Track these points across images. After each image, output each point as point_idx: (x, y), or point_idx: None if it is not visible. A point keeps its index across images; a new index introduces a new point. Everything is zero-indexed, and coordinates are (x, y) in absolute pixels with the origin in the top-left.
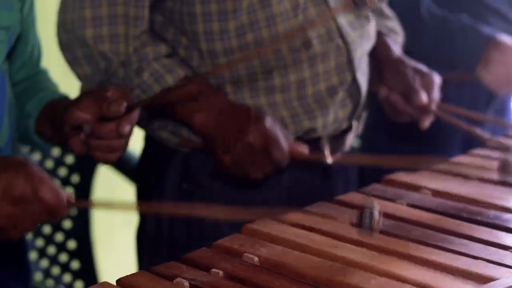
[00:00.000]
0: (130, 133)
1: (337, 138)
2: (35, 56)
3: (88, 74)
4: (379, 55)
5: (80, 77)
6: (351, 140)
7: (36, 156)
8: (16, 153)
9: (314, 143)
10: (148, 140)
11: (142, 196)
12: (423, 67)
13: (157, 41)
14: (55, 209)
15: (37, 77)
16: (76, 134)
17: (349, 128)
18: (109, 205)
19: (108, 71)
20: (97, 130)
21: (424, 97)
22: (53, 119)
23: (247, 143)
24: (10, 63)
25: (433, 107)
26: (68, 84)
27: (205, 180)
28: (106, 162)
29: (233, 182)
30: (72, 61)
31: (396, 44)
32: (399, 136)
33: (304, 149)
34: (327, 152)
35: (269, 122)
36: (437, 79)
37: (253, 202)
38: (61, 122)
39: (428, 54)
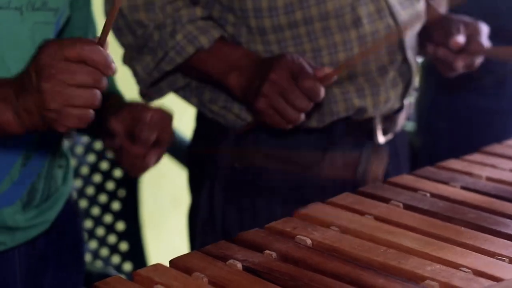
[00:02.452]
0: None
1: (389, 118)
2: None
3: (130, 43)
4: (426, 18)
5: (124, 46)
6: (403, 120)
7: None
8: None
9: (366, 123)
10: (200, 119)
11: (194, 177)
12: (468, 18)
13: (191, 4)
14: (107, 68)
15: None
16: (110, 141)
17: (400, 108)
18: None
19: (144, 36)
20: (126, 147)
21: (460, 38)
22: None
23: (273, 81)
24: None
25: (482, 49)
26: None
27: (257, 160)
28: (131, 174)
29: (277, 137)
30: (115, 31)
31: (441, 7)
32: (457, 119)
33: (331, 70)
34: (379, 132)
35: (291, 56)
36: (483, 27)
37: (306, 183)
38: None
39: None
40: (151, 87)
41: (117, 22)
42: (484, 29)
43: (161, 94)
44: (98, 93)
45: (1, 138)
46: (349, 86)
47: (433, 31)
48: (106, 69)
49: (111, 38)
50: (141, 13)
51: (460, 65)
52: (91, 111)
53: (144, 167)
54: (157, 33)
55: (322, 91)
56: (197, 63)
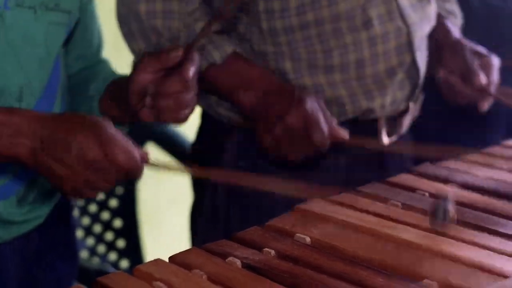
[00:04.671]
0: (195, 83)
1: (394, 119)
2: (95, 46)
3: (141, 49)
4: (438, 37)
5: (134, 51)
6: (408, 122)
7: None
8: None
9: (372, 124)
10: (205, 118)
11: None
12: (481, 49)
13: (208, 16)
14: (129, 170)
15: (98, 67)
16: (143, 102)
17: (406, 110)
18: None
19: (157, 45)
20: (163, 87)
21: (483, 78)
22: (118, 97)
23: (286, 125)
24: (67, 52)
25: (492, 89)
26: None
27: (260, 159)
28: (179, 121)
29: (276, 163)
30: (128, 35)
31: (455, 27)
32: (448, 123)
33: (345, 134)
34: (384, 133)
35: (311, 103)
36: (496, 61)
37: (310, 182)
38: (126, 95)
39: (478, 42)
40: None
41: (131, 26)
42: (496, 64)
43: None
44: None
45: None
46: (357, 88)
47: (446, 55)
48: (132, 174)
49: (121, 42)
50: (158, 20)
51: (466, 98)
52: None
53: (190, 97)
54: (171, 44)
55: (328, 145)
56: (209, 78)
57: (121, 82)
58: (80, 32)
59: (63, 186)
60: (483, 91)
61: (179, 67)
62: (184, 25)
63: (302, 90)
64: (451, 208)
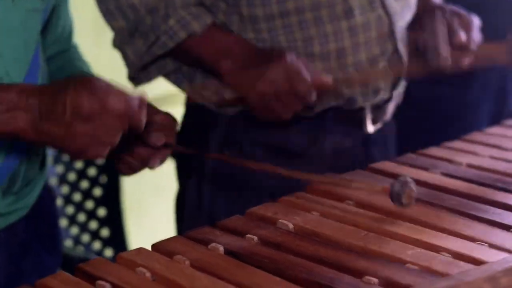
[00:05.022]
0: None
1: (379, 107)
2: (67, 31)
3: (122, 27)
4: (418, 6)
5: (114, 29)
6: (392, 109)
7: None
8: None
9: (356, 112)
10: (190, 107)
11: (182, 166)
12: (461, 10)
13: None
14: (129, 116)
15: (69, 54)
16: None
17: (390, 98)
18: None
19: (136, 20)
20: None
21: (462, 35)
22: None
23: (269, 79)
24: (43, 38)
25: (473, 46)
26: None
27: (247, 147)
28: (120, 173)
29: (267, 125)
30: (106, 14)
31: None
32: (425, 110)
33: (328, 79)
34: (368, 121)
35: (290, 57)
36: (476, 20)
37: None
38: None
39: None
40: (141, 71)
41: (109, 5)
42: (476, 23)
43: (150, 78)
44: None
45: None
46: (339, 75)
47: (426, 20)
48: (138, 127)
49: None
50: None
51: (448, 60)
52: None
53: (143, 168)
54: (149, 17)
55: (314, 97)
56: (189, 48)
57: None
58: (55, 17)
59: (69, 148)
60: (464, 48)
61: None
62: None
63: (281, 49)
64: (408, 190)
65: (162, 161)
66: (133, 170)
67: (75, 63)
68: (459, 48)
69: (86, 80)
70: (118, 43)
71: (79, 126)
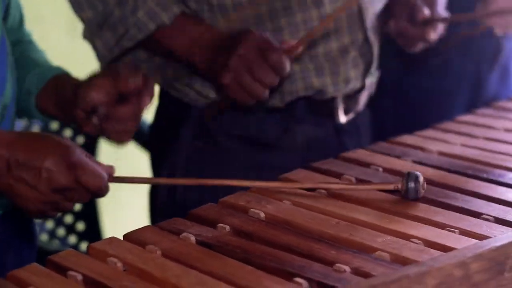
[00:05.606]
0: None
1: (351, 97)
2: (17, 18)
3: (90, 18)
4: None
5: (83, 20)
6: (364, 99)
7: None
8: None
9: (328, 103)
10: (163, 98)
11: (155, 157)
12: None
13: None
14: (97, 192)
15: (23, 46)
16: (89, 118)
17: (362, 88)
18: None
19: (105, 12)
20: (115, 112)
21: (426, 11)
22: (59, 98)
23: (240, 54)
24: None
25: (437, 17)
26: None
27: (220, 138)
28: (121, 143)
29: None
30: (75, 5)
31: None
32: (402, 98)
33: (299, 44)
34: (341, 111)
35: (258, 32)
36: None
37: (267, 162)
38: (71, 103)
39: None
40: (112, 63)
41: None
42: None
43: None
44: None
45: None
46: (309, 64)
47: (395, 7)
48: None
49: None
50: None
51: (419, 40)
52: None
53: (136, 125)
54: (118, 9)
55: (289, 65)
56: (160, 40)
57: (67, 86)
58: (12, 7)
59: (29, 207)
60: (428, 23)
61: (137, 93)
62: None
63: (248, 29)
64: (422, 183)
65: (151, 98)
66: (128, 132)
67: (31, 56)
68: (424, 24)
69: (64, 150)
70: (88, 35)
71: (49, 194)
